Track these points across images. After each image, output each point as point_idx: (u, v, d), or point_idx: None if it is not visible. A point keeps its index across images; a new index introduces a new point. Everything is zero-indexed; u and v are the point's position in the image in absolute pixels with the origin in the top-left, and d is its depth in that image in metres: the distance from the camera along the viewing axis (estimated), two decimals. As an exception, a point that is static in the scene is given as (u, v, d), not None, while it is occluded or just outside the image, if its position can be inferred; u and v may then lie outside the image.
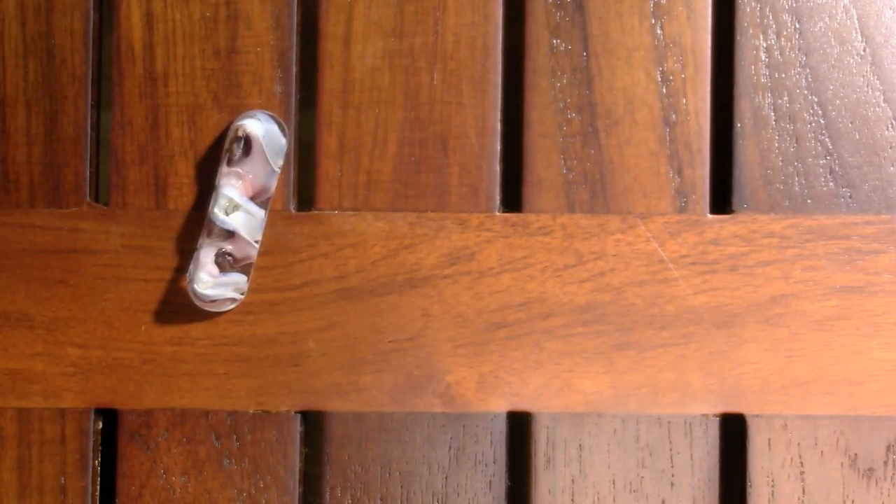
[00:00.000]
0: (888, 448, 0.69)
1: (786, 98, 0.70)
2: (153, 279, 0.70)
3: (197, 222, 0.70)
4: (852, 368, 0.69)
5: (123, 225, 0.70)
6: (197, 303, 0.69)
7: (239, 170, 0.68)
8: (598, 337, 0.70)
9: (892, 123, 0.70)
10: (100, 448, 0.71)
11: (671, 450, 0.69)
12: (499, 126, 0.71)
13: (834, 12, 0.70)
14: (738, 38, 0.70)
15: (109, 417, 0.71)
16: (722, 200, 0.71)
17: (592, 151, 0.70)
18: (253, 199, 0.69)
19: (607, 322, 0.70)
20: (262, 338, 0.70)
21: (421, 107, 0.71)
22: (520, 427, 0.71)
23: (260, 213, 0.69)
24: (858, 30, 0.70)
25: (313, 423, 0.72)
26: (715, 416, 0.69)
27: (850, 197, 0.70)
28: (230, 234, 0.68)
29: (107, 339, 0.70)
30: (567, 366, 0.70)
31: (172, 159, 0.71)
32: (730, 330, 0.69)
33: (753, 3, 0.70)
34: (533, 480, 0.70)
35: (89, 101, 0.71)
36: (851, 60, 0.70)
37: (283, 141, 0.69)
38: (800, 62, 0.70)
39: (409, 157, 0.70)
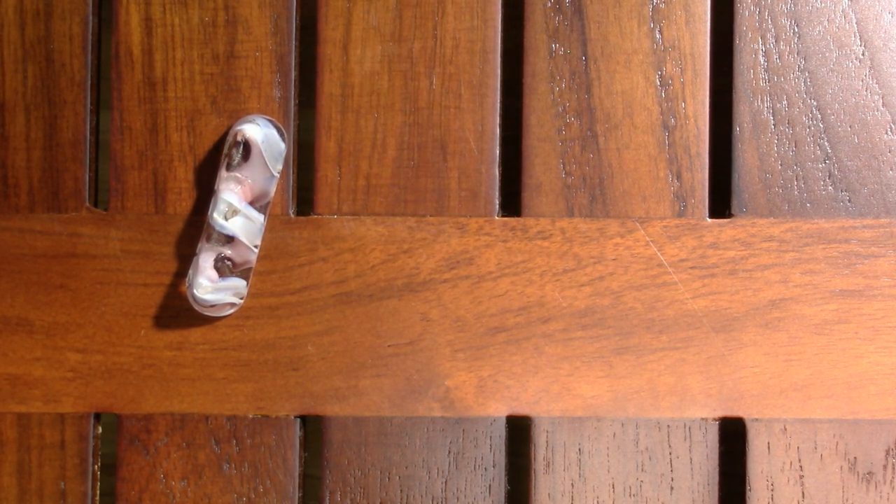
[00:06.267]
0: (887, 452, 0.69)
1: (785, 102, 0.70)
2: (152, 284, 0.70)
3: (196, 227, 0.70)
4: (851, 372, 0.69)
5: (123, 230, 0.70)
6: (196, 307, 0.69)
7: (238, 175, 0.68)
8: (597, 341, 0.70)
9: (890, 127, 0.70)
10: (99, 453, 0.71)
11: (670, 454, 0.69)
12: (498, 130, 0.71)
13: (833, 16, 0.70)
14: (736, 42, 0.70)
15: (109, 422, 0.71)
16: (721, 204, 0.71)
17: (591, 155, 0.70)
18: (252, 203, 0.69)
19: (606, 326, 0.70)
20: (262, 342, 0.70)
21: (420, 111, 0.71)
22: (519, 431, 0.71)
23: (259, 218, 0.69)
24: (857, 34, 0.70)
25: (313, 428, 0.72)
26: (714, 419, 0.69)
27: (849, 201, 0.70)
28: (229, 239, 0.68)
29: (106, 343, 0.70)
30: (566, 370, 0.70)
31: (171, 164, 0.71)
32: (729, 334, 0.70)
33: (752, 7, 0.70)
34: (532, 484, 0.70)
35: (88, 105, 0.71)
36: (850, 64, 0.70)
37: (283, 146, 0.69)
38: (798, 66, 0.70)
39: (408, 162, 0.71)
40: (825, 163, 0.70)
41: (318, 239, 0.70)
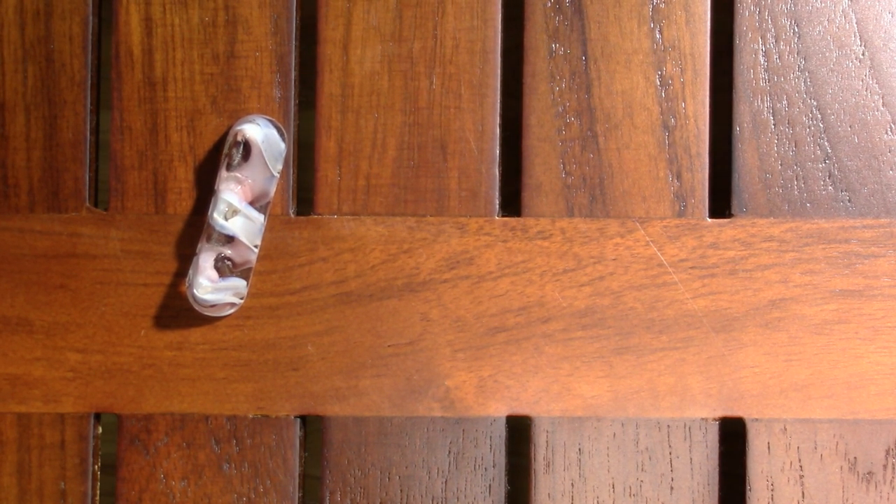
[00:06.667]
0: (887, 452, 0.69)
1: (785, 102, 0.70)
2: (153, 284, 0.70)
3: (196, 227, 0.70)
4: (851, 372, 0.69)
5: (123, 230, 0.70)
6: (196, 307, 0.69)
7: (238, 174, 0.68)
8: (597, 341, 0.70)
9: (890, 127, 0.70)
10: (99, 453, 0.71)
11: (670, 454, 0.69)
12: (498, 130, 0.71)
13: (833, 16, 0.70)
14: (736, 41, 0.70)
15: (109, 422, 0.71)
16: (721, 204, 0.71)
17: (591, 155, 0.70)
18: (252, 203, 0.69)
19: (606, 326, 0.70)
20: (262, 342, 0.70)
21: (420, 111, 0.71)
22: (519, 431, 0.71)
23: (259, 218, 0.69)
24: (857, 34, 0.70)
25: (313, 428, 0.72)
26: (714, 419, 0.69)
27: (849, 201, 0.70)
28: (229, 239, 0.68)
29: (106, 343, 0.70)
30: (566, 370, 0.70)
31: (172, 164, 0.71)
32: (729, 334, 0.70)
33: (752, 7, 0.70)
34: (533, 484, 0.70)
35: (88, 105, 0.71)
36: (850, 64, 0.70)
37: (283, 146, 0.69)
38: (799, 66, 0.70)
39: (408, 162, 0.71)
40: (825, 163, 0.70)
41: (318, 239, 0.70)
